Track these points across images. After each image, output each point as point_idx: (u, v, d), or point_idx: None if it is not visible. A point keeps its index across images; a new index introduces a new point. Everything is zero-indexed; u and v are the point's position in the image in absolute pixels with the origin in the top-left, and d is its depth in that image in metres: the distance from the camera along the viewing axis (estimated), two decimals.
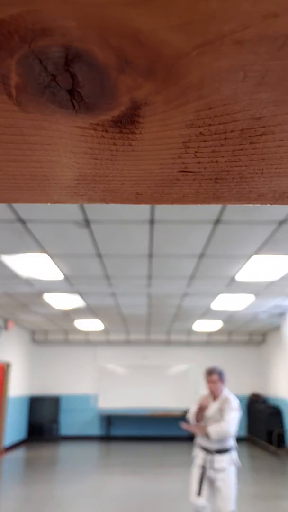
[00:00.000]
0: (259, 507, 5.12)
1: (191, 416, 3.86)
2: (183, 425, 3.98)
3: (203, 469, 3.66)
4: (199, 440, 3.79)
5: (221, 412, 3.72)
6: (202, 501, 3.57)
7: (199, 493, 3.61)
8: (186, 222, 3.41)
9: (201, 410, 3.78)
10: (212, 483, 3.63)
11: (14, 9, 0.21)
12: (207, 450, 3.70)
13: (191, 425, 3.84)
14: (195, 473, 3.70)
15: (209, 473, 3.64)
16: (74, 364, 11.38)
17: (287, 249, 3.99)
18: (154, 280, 5.25)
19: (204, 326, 9.40)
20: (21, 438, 10.19)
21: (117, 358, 11.40)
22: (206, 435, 3.69)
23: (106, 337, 11.24)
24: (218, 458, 3.64)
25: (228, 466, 3.61)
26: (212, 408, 3.77)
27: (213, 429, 3.63)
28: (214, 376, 3.83)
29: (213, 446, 3.68)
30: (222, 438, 3.64)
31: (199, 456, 3.74)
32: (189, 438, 10.77)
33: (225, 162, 0.33)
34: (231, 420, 3.67)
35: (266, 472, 7.20)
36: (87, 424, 11.02)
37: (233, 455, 3.70)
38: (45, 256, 4.27)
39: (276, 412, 9.63)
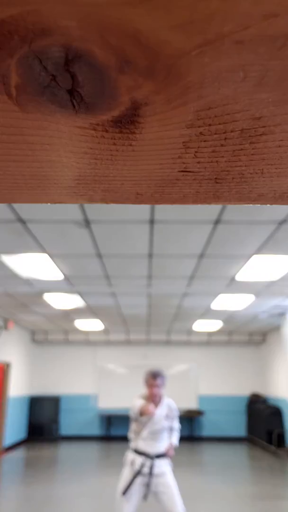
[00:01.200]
0: (259, 507, 5.12)
1: (134, 413, 3.63)
2: (145, 410, 3.53)
3: (137, 474, 3.47)
4: (139, 445, 3.57)
5: (167, 418, 3.64)
6: (128, 507, 3.40)
7: (125, 495, 3.42)
8: (186, 222, 3.41)
9: (144, 413, 3.54)
10: (148, 489, 3.46)
11: (14, 9, 0.21)
12: (146, 455, 3.54)
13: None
14: (126, 477, 3.50)
15: (144, 479, 3.46)
16: (74, 364, 11.38)
17: (287, 249, 3.99)
18: (154, 280, 5.25)
19: (204, 326, 9.40)
20: (21, 438, 10.19)
21: (117, 358, 11.40)
22: (154, 435, 3.57)
23: (106, 337, 11.24)
24: (157, 463, 3.53)
25: (166, 469, 3.54)
26: (159, 414, 3.62)
27: (176, 439, 3.69)
28: (159, 380, 3.63)
29: (153, 450, 3.56)
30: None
31: (135, 461, 3.52)
32: (190, 438, 10.78)
33: (225, 162, 0.33)
34: (178, 428, 3.76)
35: (266, 472, 7.20)
36: (87, 424, 11.02)
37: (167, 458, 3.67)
38: (45, 256, 4.27)
39: (276, 412, 9.63)
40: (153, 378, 3.62)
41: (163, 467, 3.54)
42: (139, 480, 3.46)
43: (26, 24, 0.21)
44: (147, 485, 3.46)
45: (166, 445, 3.62)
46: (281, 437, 9.31)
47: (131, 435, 3.70)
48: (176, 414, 3.71)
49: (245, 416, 11.09)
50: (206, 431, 10.98)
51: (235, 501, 5.36)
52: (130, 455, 3.60)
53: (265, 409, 9.77)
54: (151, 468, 3.47)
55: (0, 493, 5.73)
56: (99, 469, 7.34)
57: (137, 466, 3.49)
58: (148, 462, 3.50)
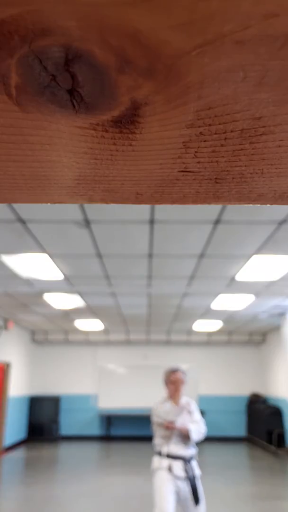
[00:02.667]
0: (259, 507, 5.12)
1: (158, 421, 3.39)
2: (169, 426, 3.38)
3: (191, 480, 3.25)
4: (171, 449, 3.34)
5: (190, 416, 3.44)
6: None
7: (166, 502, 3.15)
8: (186, 222, 3.41)
9: (168, 428, 3.35)
10: (184, 495, 3.24)
11: (14, 9, 0.21)
12: (183, 459, 3.32)
13: (176, 426, 3.39)
14: (165, 484, 3.23)
15: (183, 484, 3.24)
16: (74, 364, 11.38)
17: (287, 249, 3.99)
18: (154, 280, 5.25)
19: (204, 326, 9.40)
20: (21, 438, 10.19)
21: (117, 358, 11.40)
22: (184, 439, 3.35)
23: (106, 337, 11.24)
24: (194, 465, 3.34)
25: (198, 473, 3.34)
26: (183, 417, 3.41)
27: (194, 429, 3.36)
28: (180, 374, 3.41)
29: (187, 453, 3.34)
30: (199, 440, 3.41)
31: (173, 466, 3.28)
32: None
33: (225, 162, 0.33)
34: (201, 420, 3.44)
35: (266, 472, 7.20)
36: (87, 424, 11.02)
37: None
38: (45, 256, 4.27)
39: (276, 412, 9.63)
40: (174, 372, 3.45)
41: (196, 470, 3.35)
42: (181, 486, 3.25)
43: (26, 24, 0.21)
44: (193, 489, 3.22)
45: (194, 448, 3.42)
46: (281, 437, 9.31)
47: (157, 440, 3.45)
48: (197, 411, 3.49)
49: (245, 416, 11.09)
50: (206, 431, 10.98)
51: (235, 501, 5.36)
52: (163, 461, 3.34)
53: (265, 409, 9.77)
54: (192, 471, 3.29)
55: (0, 493, 5.73)
56: (99, 469, 7.34)
57: (179, 471, 3.26)
58: (188, 466, 3.30)
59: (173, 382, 3.43)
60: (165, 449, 3.36)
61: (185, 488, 3.24)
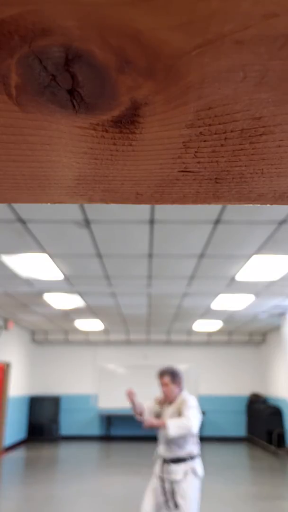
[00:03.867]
0: (259, 507, 5.12)
1: (144, 413, 3.41)
2: (146, 422, 3.29)
3: (161, 480, 3.25)
4: (160, 448, 3.36)
5: (178, 413, 3.31)
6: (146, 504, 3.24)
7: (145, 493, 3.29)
8: (186, 222, 3.41)
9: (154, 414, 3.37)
10: (171, 496, 3.20)
11: (14, 9, 0.21)
12: (164, 459, 3.30)
13: (150, 419, 3.32)
14: (151, 484, 3.32)
15: (167, 485, 3.22)
16: (74, 364, 11.38)
17: (287, 249, 3.99)
18: (154, 280, 5.25)
19: (204, 326, 9.40)
20: (21, 438, 10.19)
21: (117, 358, 11.40)
22: (166, 439, 3.27)
23: (106, 337, 11.24)
24: (174, 468, 3.22)
25: (184, 477, 3.19)
26: (168, 412, 3.36)
27: (173, 424, 3.15)
28: (165, 378, 3.37)
29: (169, 455, 3.26)
30: (182, 435, 3.18)
31: (157, 465, 3.35)
32: None
33: (225, 162, 0.33)
34: (192, 416, 3.19)
35: (266, 472, 7.20)
36: (87, 424, 11.02)
37: (195, 464, 3.27)
38: (45, 256, 4.27)
39: (276, 412, 9.63)
40: (160, 376, 3.40)
41: (180, 474, 3.20)
42: (158, 484, 3.27)
43: (26, 24, 0.21)
44: (164, 491, 3.22)
45: (187, 449, 3.27)
46: (281, 437, 9.30)
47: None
48: (186, 405, 3.28)
49: (245, 416, 11.09)
50: (206, 431, 10.98)
51: (235, 501, 5.36)
52: (157, 461, 3.43)
53: (265, 409, 9.77)
54: (168, 473, 3.23)
55: (0, 493, 5.73)
56: (99, 469, 7.34)
57: (157, 471, 3.33)
58: (165, 467, 3.26)
59: (160, 384, 3.43)
60: (158, 449, 3.42)
61: (159, 488, 3.25)
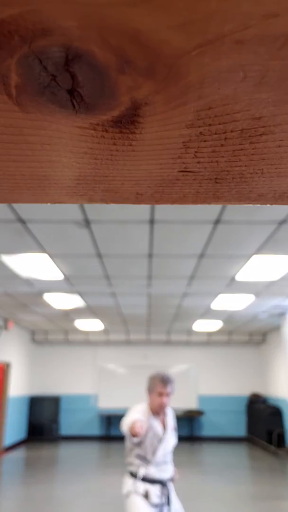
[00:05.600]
0: (259, 507, 5.12)
1: (135, 428, 2.65)
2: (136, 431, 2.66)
3: (161, 508, 2.78)
4: (150, 471, 2.81)
5: (174, 429, 3.00)
6: None
7: None
8: (186, 222, 3.41)
9: (134, 434, 2.66)
10: None
11: (14, 9, 0.21)
12: (161, 483, 2.83)
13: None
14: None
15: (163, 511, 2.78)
16: (74, 364, 11.38)
17: (287, 249, 3.99)
18: (154, 280, 5.25)
19: (204, 326, 9.40)
20: (21, 438, 10.19)
21: (117, 358, 11.40)
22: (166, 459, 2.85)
23: (106, 337, 11.24)
24: (171, 487, 2.88)
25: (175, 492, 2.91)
26: (168, 429, 2.95)
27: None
28: (170, 387, 2.86)
29: (166, 476, 2.85)
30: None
31: (150, 492, 2.76)
32: (190, 438, 10.78)
33: (225, 162, 0.33)
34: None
35: (266, 472, 7.20)
36: (87, 424, 11.02)
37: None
38: (45, 256, 4.27)
39: (276, 412, 9.63)
40: (164, 385, 2.84)
41: (174, 491, 2.93)
42: None
43: (26, 24, 0.21)
44: None
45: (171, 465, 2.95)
46: (281, 437, 9.30)
47: (130, 459, 2.88)
48: (174, 419, 3.07)
49: (245, 416, 11.09)
50: (206, 431, 10.98)
51: (235, 501, 5.36)
52: (138, 485, 2.78)
53: (265, 409, 9.77)
54: (168, 497, 2.82)
55: (0, 493, 5.73)
56: (99, 469, 7.34)
57: (156, 499, 2.76)
58: (165, 491, 2.82)
59: (158, 394, 2.86)
60: (140, 471, 2.81)
61: None
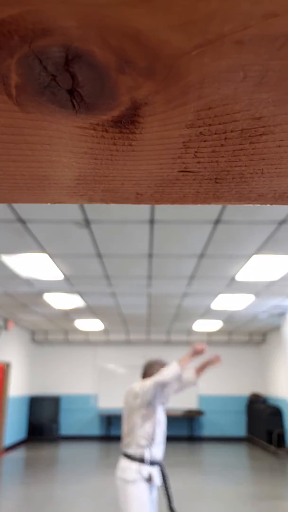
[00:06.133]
0: (259, 507, 5.12)
1: (197, 346, 2.88)
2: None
3: (167, 486, 2.86)
4: (154, 453, 2.83)
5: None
6: None
7: None
8: (186, 222, 3.41)
9: (197, 353, 2.89)
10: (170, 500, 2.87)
11: (14, 9, 0.21)
12: (160, 464, 2.90)
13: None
14: (145, 497, 2.69)
15: (156, 492, 2.85)
16: (74, 364, 11.38)
17: (287, 249, 3.99)
18: (154, 280, 5.25)
19: (204, 326, 9.40)
20: (21, 438, 10.19)
21: (117, 358, 11.40)
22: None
23: (106, 337, 11.24)
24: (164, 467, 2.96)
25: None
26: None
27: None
28: None
29: (161, 455, 2.95)
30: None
31: (153, 474, 2.77)
32: (189, 438, 10.77)
33: (225, 162, 0.33)
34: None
35: (266, 472, 7.20)
36: (87, 424, 11.02)
37: None
38: (45, 256, 4.27)
39: (276, 412, 9.63)
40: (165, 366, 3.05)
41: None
42: (155, 495, 2.83)
43: (26, 24, 0.21)
44: (168, 497, 2.83)
45: None
46: (281, 437, 9.30)
47: (135, 439, 2.81)
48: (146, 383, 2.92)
49: (245, 416, 11.09)
50: (206, 431, 10.98)
51: (235, 501, 5.36)
52: (143, 469, 2.74)
53: (265, 409, 9.77)
54: (164, 477, 2.89)
55: (0, 493, 5.72)
56: (99, 469, 7.34)
57: (158, 480, 2.79)
58: (164, 470, 2.90)
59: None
60: (147, 454, 2.78)
61: (155, 495, 2.87)
